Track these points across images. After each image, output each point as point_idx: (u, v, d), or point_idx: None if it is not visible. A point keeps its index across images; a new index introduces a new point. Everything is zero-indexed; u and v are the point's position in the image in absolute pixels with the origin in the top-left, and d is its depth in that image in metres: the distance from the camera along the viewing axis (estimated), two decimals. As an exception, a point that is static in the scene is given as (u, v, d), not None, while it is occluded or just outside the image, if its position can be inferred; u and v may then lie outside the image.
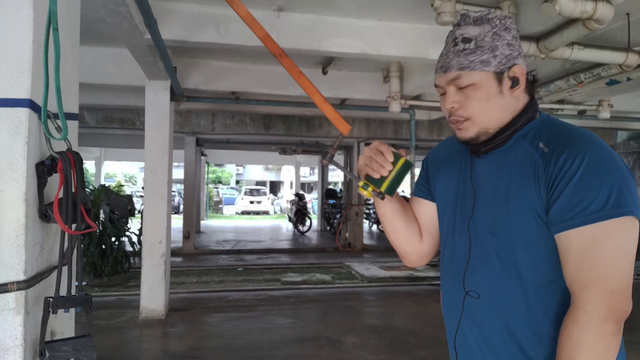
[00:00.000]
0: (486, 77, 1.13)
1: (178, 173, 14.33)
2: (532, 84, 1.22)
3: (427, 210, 1.38)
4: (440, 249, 1.34)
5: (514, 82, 1.15)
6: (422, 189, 1.40)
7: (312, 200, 23.24)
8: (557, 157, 1.07)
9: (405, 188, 16.36)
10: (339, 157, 16.18)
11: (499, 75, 1.14)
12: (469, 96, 1.14)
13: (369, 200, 13.55)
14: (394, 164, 1.21)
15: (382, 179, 1.22)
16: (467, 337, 1.21)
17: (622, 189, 1.02)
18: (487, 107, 1.14)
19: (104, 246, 7.19)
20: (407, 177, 1.36)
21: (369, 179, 1.23)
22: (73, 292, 1.50)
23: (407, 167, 1.22)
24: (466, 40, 1.14)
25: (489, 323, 1.17)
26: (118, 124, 9.11)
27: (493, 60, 1.13)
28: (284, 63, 1.50)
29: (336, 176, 27.03)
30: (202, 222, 17.00)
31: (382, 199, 1.24)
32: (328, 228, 15.50)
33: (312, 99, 1.45)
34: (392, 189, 1.23)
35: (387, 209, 1.33)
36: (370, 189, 1.23)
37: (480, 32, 1.14)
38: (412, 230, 1.37)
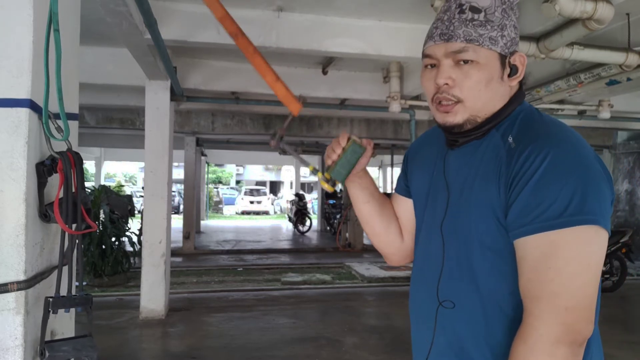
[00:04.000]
0: (492, 58, 1.00)
1: (178, 173, 14.34)
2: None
3: (405, 208, 1.29)
4: (414, 247, 1.24)
5: (513, 70, 1.04)
6: (401, 185, 1.31)
7: (312, 200, 23.23)
8: (519, 154, 0.95)
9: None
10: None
11: (502, 59, 1.02)
12: (469, 74, 1.00)
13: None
14: (344, 148, 1.15)
15: (333, 164, 1.17)
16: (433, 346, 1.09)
17: (587, 193, 0.89)
18: (485, 92, 1.01)
19: (104, 246, 7.20)
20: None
21: (328, 169, 1.18)
22: (73, 292, 1.50)
23: (355, 149, 1.16)
24: (475, 9, 1.00)
25: (445, 336, 1.06)
26: (118, 124, 9.10)
27: (500, 40, 1.00)
28: (239, 43, 1.50)
29: (336, 176, 27.00)
30: (202, 222, 16.99)
31: (333, 185, 1.18)
32: (328, 228, 15.50)
33: (264, 78, 1.44)
34: (338, 173, 1.16)
35: (364, 211, 1.27)
36: (319, 175, 1.18)
37: (491, 5, 1.01)
38: (392, 231, 1.29)
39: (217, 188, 29.45)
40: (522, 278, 0.94)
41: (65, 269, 1.49)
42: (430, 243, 1.13)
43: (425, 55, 1.07)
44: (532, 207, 0.91)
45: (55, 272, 1.52)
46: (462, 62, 1.00)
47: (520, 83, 1.08)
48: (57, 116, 1.49)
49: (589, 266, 0.90)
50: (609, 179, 0.95)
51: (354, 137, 1.18)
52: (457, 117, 1.03)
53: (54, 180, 1.52)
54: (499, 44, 1.00)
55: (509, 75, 1.03)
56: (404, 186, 1.30)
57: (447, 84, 1.02)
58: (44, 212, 1.47)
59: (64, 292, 1.50)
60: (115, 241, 7.37)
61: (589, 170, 0.92)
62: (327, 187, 1.19)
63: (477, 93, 1.01)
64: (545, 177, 0.91)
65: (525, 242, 0.93)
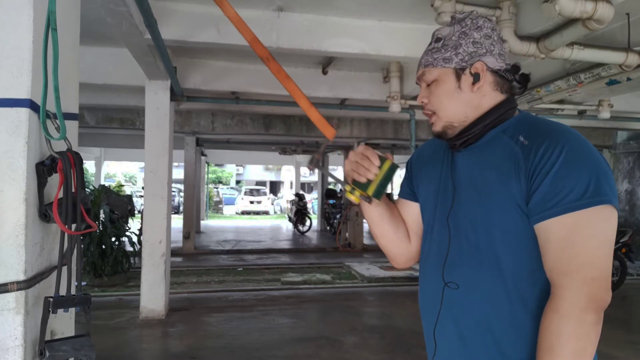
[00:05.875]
0: (445, 73, 1.19)
1: (178, 173, 14.34)
2: (522, 83, 1.23)
3: (412, 211, 1.38)
4: (421, 245, 1.35)
5: (475, 77, 1.18)
6: (406, 190, 1.41)
7: (312, 200, 23.23)
8: (537, 149, 1.08)
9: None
10: (339, 157, 16.19)
11: (458, 72, 1.18)
12: (432, 91, 1.22)
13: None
14: (380, 167, 1.22)
15: (369, 182, 1.23)
16: (446, 329, 1.21)
17: (601, 179, 1.04)
18: (447, 102, 1.20)
19: (104, 246, 7.20)
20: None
21: (355, 183, 1.24)
22: (73, 292, 1.50)
23: (394, 169, 1.24)
24: (437, 39, 1.22)
25: (467, 317, 1.17)
26: (118, 124, 9.10)
27: (455, 57, 1.18)
28: (271, 67, 1.50)
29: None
30: (202, 222, 16.99)
31: (370, 202, 1.26)
32: (328, 228, 15.49)
33: (298, 103, 1.46)
34: (379, 193, 1.24)
35: (374, 214, 1.34)
36: (357, 193, 1.24)
37: (449, 32, 1.20)
38: (400, 233, 1.38)
39: (217, 188, 29.44)
40: (548, 256, 1.06)
41: (64, 268, 1.49)
42: (438, 235, 1.25)
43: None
44: (555, 193, 1.04)
45: (55, 272, 1.52)
46: (429, 83, 1.22)
47: (512, 92, 1.23)
48: (56, 116, 1.49)
49: (607, 240, 1.04)
50: (609, 166, 1.10)
51: (387, 155, 1.25)
52: (436, 126, 1.24)
53: (54, 180, 1.52)
54: (453, 61, 1.18)
55: (473, 83, 1.18)
56: (409, 191, 1.41)
57: (423, 101, 1.25)
58: (44, 212, 1.47)
59: (63, 292, 1.50)
60: (115, 241, 7.37)
61: (598, 160, 1.07)
62: (356, 200, 1.25)
63: (441, 105, 1.21)
64: (564, 167, 1.04)
65: (549, 224, 1.05)
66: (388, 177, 1.23)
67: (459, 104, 1.19)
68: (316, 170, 1.27)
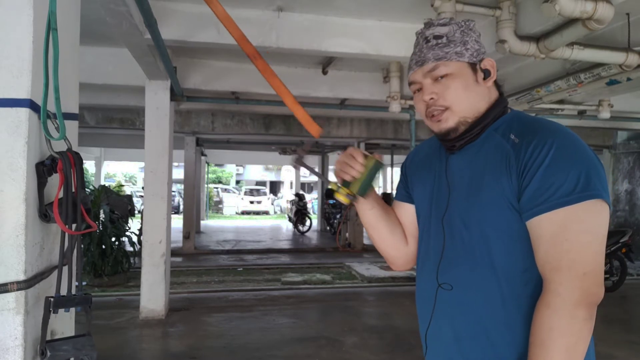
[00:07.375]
0: (462, 67, 1.18)
1: (178, 173, 14.33)
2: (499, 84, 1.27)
3: (408, 213, 1.39)
4: (418, 246, 1.36)
5: (486, 73, 1.20)
6: (402, 192, 1.42)
7: (312, 200, 23.22)
8: (527, 145, 1.09)
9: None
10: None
11: (473, 66, 1.19)
12: (448, 85, 1.18)
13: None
14: (365, 165, 1.23)
15: (355, 181, 1.24)
16: (439, 330, 1.22)
17: (591, 174, 1.04)
18: (465, 95, 1.18)
19: (104, 246, 7.20)
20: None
21: (344, 183, 1.26)
22: (73, 291, 1.50)
23: (378, 166, 1.25)
24: (437, 37, 1.20)
25: (461, 316, 1.17)
26: (118, 124, 9.11)
27: (466, 52, 1.18)
28: (258, 64, 1.51)
29: (336, 176, 26.95)
30: (202, 222, 16.99)
31: (356, 200, 1.27)
32: (328, 228, 15.48)
33: (283, 100, 1.47)
34: (363, 189, 1.26)
35: (370, 217, 1.35)
36: (342, 191, 1.26)
37: (449, 30, 1.20)
38: (397, 235, 1.38)
39: (217, 188, 29.44)
40: (540, 252, 1.06)
41: (65, 268, 1.49)
42: (434, 236, 1.26)
43: (410, 83, 1.26)
44: (545, 188, 1.04)
45: (55, 272, 1.52)
46: (439, 78, 1.18)
47: (500, 91, 1.25)
48: (56, 115, 1.49)
49: (598, 235, 1.04)
50: (600, 163, 1.10)
51: (375, 155, 1.26)
52: (449, 122, 1.19)
53: (54, 180, 1.52)
54: (465, 55, 1.18)
55: (484, 78, 1.20)
56: (405, 193, 1.41)
57: (432, 98, 1.20)
58: (44, 212, 1.47)
59: (64, 291, 1.50)
60: (115, 241, 7.37)
61: (588, 155, 1.07)
62: (344, 200, 1.27)
63: (458, 98, 1.18)
64: (554, 163, 1.05)
65: (541, 220, 1.05)
66: (372, 175, 1.25)
67: (477, 97, 1.19)
68: (317, 170, 1.28)
